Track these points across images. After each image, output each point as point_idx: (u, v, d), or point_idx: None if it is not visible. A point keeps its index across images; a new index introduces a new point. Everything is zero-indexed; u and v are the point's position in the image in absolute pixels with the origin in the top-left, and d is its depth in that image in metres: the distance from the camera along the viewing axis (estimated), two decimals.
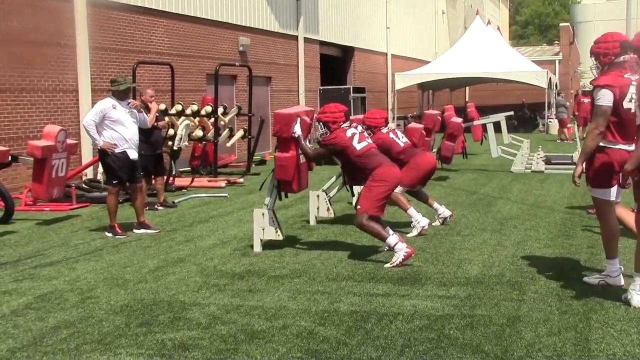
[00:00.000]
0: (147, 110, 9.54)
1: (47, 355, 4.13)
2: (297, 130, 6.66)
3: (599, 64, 5.24)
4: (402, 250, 6.13)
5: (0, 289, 5.60)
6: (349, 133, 6.47)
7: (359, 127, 6.67)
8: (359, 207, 6.32)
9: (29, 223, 8.86)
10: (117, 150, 7.65)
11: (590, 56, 5.32)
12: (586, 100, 19.19)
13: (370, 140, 6.64)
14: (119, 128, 7.67)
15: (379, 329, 4.49)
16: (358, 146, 6.41)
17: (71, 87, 12.60)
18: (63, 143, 9.20)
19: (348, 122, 6.62)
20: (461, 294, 5.28)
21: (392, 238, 6.23)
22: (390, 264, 6.14)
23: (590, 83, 5.56)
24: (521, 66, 26.99)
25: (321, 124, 6.60)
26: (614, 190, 5.18)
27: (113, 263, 6.52)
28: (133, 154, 7.78)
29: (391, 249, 6.26)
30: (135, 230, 7.84)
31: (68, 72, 12.52)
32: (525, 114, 32.77)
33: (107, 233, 7.78)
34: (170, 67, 13.49)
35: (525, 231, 7.77)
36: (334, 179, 8.75)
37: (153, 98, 9.85)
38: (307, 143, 6.81)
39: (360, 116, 8.23)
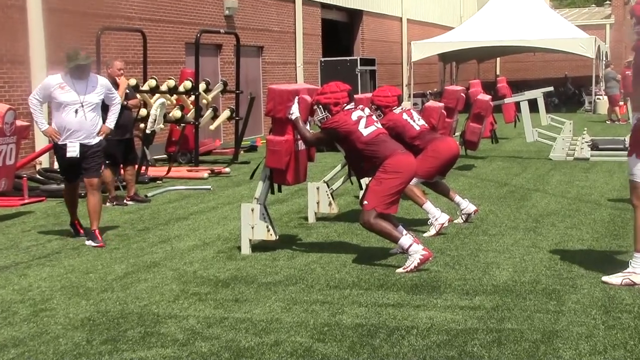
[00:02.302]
0: (115, 86, 9.54)
1: None
2: (295, 111, 6.66)
3: None
4: (417, 252, 6.15)
5: None
6: (354, 116, 6.46)
7: (366, 110, 6.66)
8: (365, 202, 6.33)
9: None
10: (59, 142, 7.41)
11: (631, 17, 5.31)
12: (629, 72, 19.14)
13: (379, 125, 6.64)
14: (63, 114, 7.36)
15: (388, 345, 4.51)
16: (365, 131, 6.41)
17: (21, 57, 12.58)
18: (12, 125, 9.21)
19: (352, 104, 6.61)
20: (487, 304, 5.29)
21: (406, 239, 6.24)
22: (403, 269, 6.15)
23: (632, 49, 5.54)
24: (564, 32, 26.92)
25: (320, 107, 6.59)
26: None
27: (73, 268, 6.53)
28: (72, 151, 7.36)
29: (405, 252, 6.27)
30: (87, 242, 7.49)
31: (17, 40, 12.49)
32: (568, 90, 32.71)
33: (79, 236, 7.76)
34: (141, 34, 13.48)
35: (566, 230, 7.78)
36: (338, 168, 8.76)
37: (122, 71, 9.85)
38: (307, 127, 6.82)
39: (368, 95, 8.19)
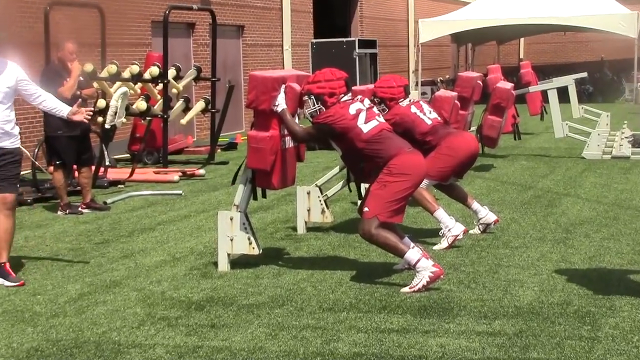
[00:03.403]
0: (67, 72, 9.52)
1: None
2: (281, 102, 6.66)
3: None
4: (426, 269, 6.16)
5: None
6: (352, 109, 6.46)
7: (366, 102, 6.67)
8: (366, 209, 6.33)
9: None
10: None
11: None
12: None
13: (382, 119, 6.66)
14: None
15: None
16: (365, 127, 6.41)
17: None
18: None
19: (350, 95, 6.61)
20: (509, 329, 5.30)
21: (413, 253, 6.25)
22: (410, 288, 6.16)
23: None
24: (600, 7, 26.93)
25: (312, 97, 6.59)
26: None
27: (17, 290, 6.51)
28: None
29: (411, 268, 6.28)
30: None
31: None
32: (605, 76, 32.82)
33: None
34: (99, 10, 13.46)
35: (602, 242, 7.81)
36: (335, 170, 8.76)
37: (74, 56, 9.83)
38: (296, 120, 6.82)
39: (370, 86, 8.19)
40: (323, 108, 6.53)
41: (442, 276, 6.25)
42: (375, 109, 6.73)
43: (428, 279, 6.15)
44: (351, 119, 6.42)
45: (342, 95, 6.55)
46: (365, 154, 6.42)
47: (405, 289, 6.18)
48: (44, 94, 7.13)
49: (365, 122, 6.43)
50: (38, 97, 7.04)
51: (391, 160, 6.33)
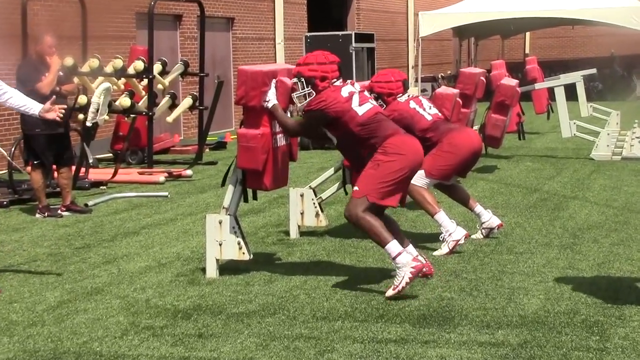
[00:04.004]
0: (45, 67, 9.52)
1: None
2: (272, 97, 6.67)
3: None
4: (407, 265, 6.15)
5: None
6: (344, 92, 6.48)
7: (357, 85, 6.69)
8: (355, 188, 6.36)
9: None
10: None
11: None
12: None
13: (375, 102, 6.68)
14: None
15: None
16: (360, 110, 6.42)
17: None
18: None
19: (341, 80, 6.60)
20: (513, 339, 5.32)
21: (394, 245, 6.22)
22: (393, 289, 6.18)
23: None
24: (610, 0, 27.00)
25: (303, 80, 6.59)
26: None
27: None
28: None
29: (392, 262, 6.27)
30: None
31: None
32: (616, 73, 32.88)
33: None
34: (80, 1, 13.45)
35: (611, 247, 7.83)
36: (331, 171, 8.76)
37: (54, 49, 9.82)
38: (288, 114, 6.83)
39: (366, 83, 8.19)
40: (313, 92, 6.52)
41: (425, 270, 6.25)
42: (366, 93, 6.73)
43: (410, 275, 6.13)
44: (345, 102, 6.42)
45: (334, 80, 6.56)
46: (362, 137, 6.41)
47: (389, 292, 6.19)
48: (11, 90, 6.99)
49: (360, 105, 6.45)
50: (4, 94, 6.89)
51: (387, 139, 6.35)
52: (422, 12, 27.48)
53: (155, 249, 8.10)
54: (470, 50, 34.62)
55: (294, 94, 6.66)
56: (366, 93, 6.74)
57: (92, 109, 11.52)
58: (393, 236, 6.31)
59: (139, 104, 13.36)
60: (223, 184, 7.22)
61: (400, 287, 6.13)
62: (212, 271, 6.94)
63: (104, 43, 15.53)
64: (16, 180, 10.92)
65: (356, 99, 6.47)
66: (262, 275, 6.94)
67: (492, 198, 10.45)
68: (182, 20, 18.38)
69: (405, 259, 6.16)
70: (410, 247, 6.51)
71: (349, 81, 6.68)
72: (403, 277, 6.14)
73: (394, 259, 6.20)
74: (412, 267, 6.14)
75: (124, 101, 13.13)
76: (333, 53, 6.82)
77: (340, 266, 7.26)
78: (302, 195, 8.44)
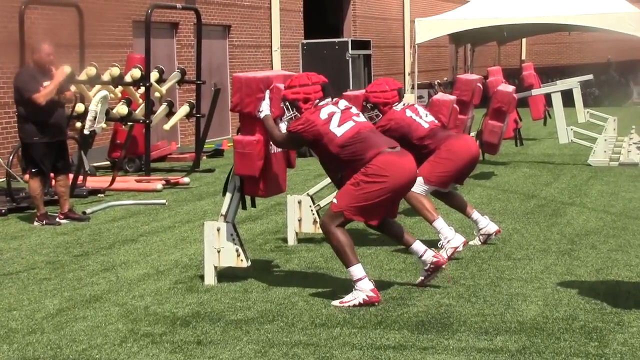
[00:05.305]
0: (44, 76, 9.50)
1: None
2: (265, 108, 6.65)
3: None
4: (363, 291, 6.23)
5: None
6: (323, 114, 6.43)
7: (342, 103, 6.63)
8: (334, 201, 6.40)
9: None
10: None
11: None
12: None
13: (360, 119, 6.59)
14: None
15: None
16: (339, 131, 6.37)
17: None
18: None
19: (329, 99, 6.57)
20: (511, 345, 5.32)
21: (358, 269, 6.29)
22: (341, 302, 6.26)
23: None
24: (607, 6, 26.99)
25: (287, 103, 6.59)
26: None
27: None
28: None
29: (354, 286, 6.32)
30: None
31: None
32: (612, 79, 32.90)
33: None
34: (77, 9, 13.46)
35: (609, 253, 7.84)
36: (328, 179, 8.74)
37: (52, 57, 9.81)
38: (282, 124, 6.81)
39: (361, 92, 8.18)
40: (298, 114, 6.54)
41: (376, 303, 6.22)
42: (353, 110, 6.65)
43: (361, 301, 6.21)
44: (322, 124, 6.40)
45: (318, 100, 6.54)
46: (342, 158, 6.40)
47: (336, 302, 6.27)
48: None
49: (339, 125, 6.40)
50: None
51: (371, 161, 6.32)
52: (418, 19, 27.51)
53: (154, 256, 8.10)
54: (467, 57, 34.64)
55: (283, 117, 6.67)
56: (353, 110, 6.64)
57: (89, 117, 11.54)
58: (396, 239, 6.41)
59: (136, 111, 13.37)
60: (224, 193, 7.14)
61: (347, 304, 6.22)
62: (210, 278, 6.95)
63: (101, 51, 15.53)
64: (14, 189, 10.91)
65: (336, 119, 6.42)
66: (260, 282, 6.95)
67: (489, 204, 10.46)
68: (178, 28, 18.39)
69: (365, 286, 6.24)
70: (418, 243, 6.56)
71: (331, 100, 6.60)
72: (355, 298, 6.23)
73: (354, 281, 6.27)
74: (367, 296, 6.21)
75: (122, 109, 13.15)
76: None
77: (338, 273, 7.26)
78: (299, 202, 8.45)
